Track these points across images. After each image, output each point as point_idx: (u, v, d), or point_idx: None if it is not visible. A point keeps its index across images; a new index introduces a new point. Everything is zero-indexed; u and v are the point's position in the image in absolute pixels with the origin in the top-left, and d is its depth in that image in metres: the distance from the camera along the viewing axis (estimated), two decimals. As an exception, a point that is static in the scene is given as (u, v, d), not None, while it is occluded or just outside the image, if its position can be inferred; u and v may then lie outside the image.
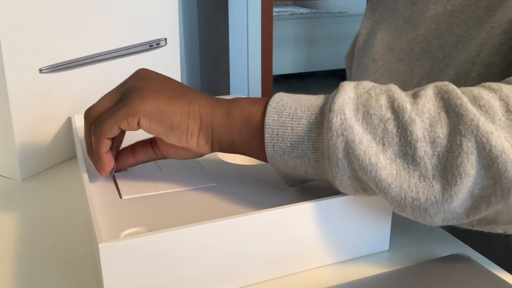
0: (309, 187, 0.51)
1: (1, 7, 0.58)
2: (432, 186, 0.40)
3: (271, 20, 2.65)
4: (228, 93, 2.56)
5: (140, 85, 0.48)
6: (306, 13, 3.74)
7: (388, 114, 0.41)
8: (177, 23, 0.81)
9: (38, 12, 0.62)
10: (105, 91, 0.73)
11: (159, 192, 0.50)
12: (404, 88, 0.46)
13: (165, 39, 0.81)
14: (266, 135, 0.44)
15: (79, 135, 0.65)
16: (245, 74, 2.68)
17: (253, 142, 0.46)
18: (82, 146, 0.61)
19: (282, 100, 0.45)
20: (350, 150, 0.40)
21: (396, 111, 0.41)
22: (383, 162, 0.40)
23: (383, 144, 0.41)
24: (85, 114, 0.50)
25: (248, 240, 0.41)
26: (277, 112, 0.44)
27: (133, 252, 0.38)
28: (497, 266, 0.46)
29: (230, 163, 0.57)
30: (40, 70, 0.64)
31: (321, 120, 0.43)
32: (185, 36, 2.76)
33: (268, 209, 0.41)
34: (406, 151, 0.40)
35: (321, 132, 0.42)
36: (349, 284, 0.42)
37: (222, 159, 0.59)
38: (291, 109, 0.44)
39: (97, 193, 0.49)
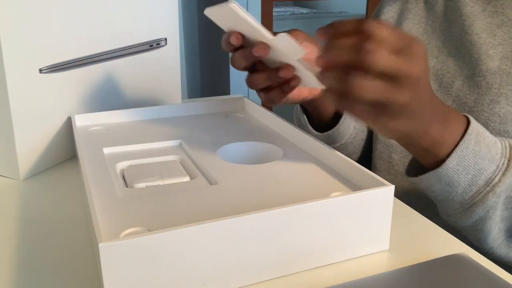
0: (309, 187, 0.51)
1: (1, 7, 0.58)
2: None
3: (271, 20, 2.65)
4: (228, 93, 2.56)
5: (412, 104, 0.46)
6: (306, 13, 3.74)
7: None
8: (177, 23, 0.81)
9: (38, 12, 0.62)
10: (105, 91, 0.74)
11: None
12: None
13: (165, 39, 0.81)
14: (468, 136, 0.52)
15: (79, 135, 0.65)
16: (245, 74, 2.68)
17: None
18: (83, 145, 0.61)
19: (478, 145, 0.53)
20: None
21: None
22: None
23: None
24: (335, 28, 0.44)
25: (248, 240, 0.41)
26: (476, 141, 0.53)
27: (133, 252, 0.38)
28: (497, 266, 0.46)
29: (229, 163, 0.57)
30: (40, 70, 0.64)
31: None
32: (185, 36, 2.76)
33: (268, 209, 0.41)
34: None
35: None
36: (349, 284, 0.42)
37: (222, 159, 0.59)
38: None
39: (97, 193, 0.49)
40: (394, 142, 0.75)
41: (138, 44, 0.77)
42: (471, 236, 0.59)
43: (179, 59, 0.85)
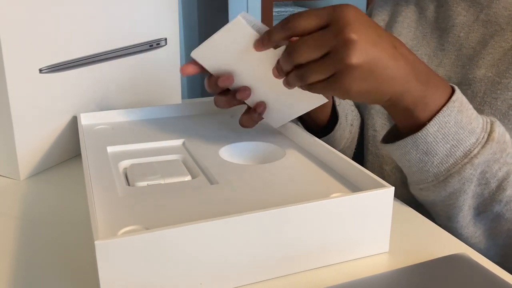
0: (310, 187, 0.51)
1: (1, 7, 0.58)
2: None
3: (271, 20, 2.65)
4: (228, 93, 2.56)
5: (354, 57, 0.46)
6: (306, 13, 3.73)
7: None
8: (177, 23, 0.81)
9: (38, 12, 0.62)
10: (105, 91, 0.74)
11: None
12: None
13: (165, 39, 0.81)
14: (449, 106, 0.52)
15: (84, 133, 0.65)
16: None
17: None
18: (87, 144, 0.61)
19: (462, 106, 0.53)
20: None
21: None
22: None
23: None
24: (287, 25, 0.51)
25: (247, 239, 0.41)
26: (459, 110, 0.52)
27: (129, 250, 0.38)
28: (497, 266, 0.46)
29: (230, 162, 0.57)
30: (40, 70, 0.64)
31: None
32: (185, 36, 2.76)
33: (268, 209, 0.41)
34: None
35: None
36: (349, 284, 0.42)
37: (225, 158, 0.59)
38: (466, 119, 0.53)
39: (99, 191, 0.49)
40: (385, 153, 0.74)
41: (138, 44, 0.77)
42: (441, 212, 0.58)
43: (179, 59, 0.85)
